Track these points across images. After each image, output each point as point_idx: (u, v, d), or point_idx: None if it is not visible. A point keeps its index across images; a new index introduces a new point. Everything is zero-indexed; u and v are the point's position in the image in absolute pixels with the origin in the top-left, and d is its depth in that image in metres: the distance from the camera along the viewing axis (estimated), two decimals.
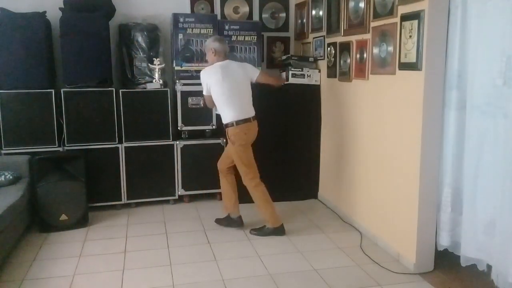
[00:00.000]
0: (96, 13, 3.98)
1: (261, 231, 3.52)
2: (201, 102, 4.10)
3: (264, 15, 4.89)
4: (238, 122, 3.35)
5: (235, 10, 4.79)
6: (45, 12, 3.94)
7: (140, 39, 4.12)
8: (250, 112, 3.43)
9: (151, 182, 4.17)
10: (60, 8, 3.97)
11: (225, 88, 3.34)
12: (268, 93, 4.37)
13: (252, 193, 3.50)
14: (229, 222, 3.63)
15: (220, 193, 4.38)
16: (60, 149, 3.91)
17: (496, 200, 2.56)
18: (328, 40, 4.09)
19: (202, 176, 4.27)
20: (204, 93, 3.48)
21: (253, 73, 3.54)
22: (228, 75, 3.36)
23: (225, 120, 3.42)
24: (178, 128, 4.26)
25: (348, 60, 3.68)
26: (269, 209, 3.48)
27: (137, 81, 4.16)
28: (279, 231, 3.50)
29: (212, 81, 3.37)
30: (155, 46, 4.20)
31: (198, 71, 4.17)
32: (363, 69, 3.46)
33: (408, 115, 2.93)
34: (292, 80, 4.27)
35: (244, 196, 3.64)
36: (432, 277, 2.86)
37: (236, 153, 3.43)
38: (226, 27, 4.28)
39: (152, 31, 4.20)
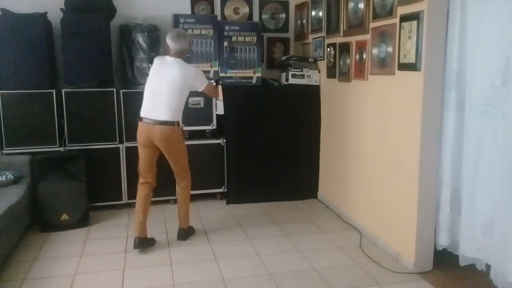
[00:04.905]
0: (97, 13, 3.99)
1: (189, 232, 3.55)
2: None
3: (264, 16, 4.91)
4: (140, 119, 3.25)
5: (235, 11, 4.81)
6: (46, 13, 3.95)
7: (140, 39, 4.13)
8: (159, 116, 3.16)
9: None
10: (61, 9, 3.98)
11: (149, 81, 3.26)
12: (268, 93, 4.41)
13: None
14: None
15: (220, 193, 4.42)
16: (61, 149, 3.93)
17: (495, 200, 2.57)
18: (327, 41, 4.10)
19: (202, 176, 4.27)
20: None
21: (199, 84, 3.34)
22: (158, 70, 3.23)
23: None
24: None
25: (348, 61, 3.70)
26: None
27: (138, 81, 4.16)
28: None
29: (151, 70, 3.30)
30: (156, 46, 4.20)
31: None
32: (362, 69, 3.47)
33: (407, 115, 2.95)
34: (292, 81, 4.30)
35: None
36: (431, 276, 2.87)
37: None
38: (226, 28, 4.29)
39: (153, 32, 4.21)
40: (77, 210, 3.68)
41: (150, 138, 3.21)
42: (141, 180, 3.35)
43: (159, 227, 3.73)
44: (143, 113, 3.24)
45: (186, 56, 3.31)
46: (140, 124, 3.25)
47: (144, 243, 3.26)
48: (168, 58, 3.27)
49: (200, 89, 3.37)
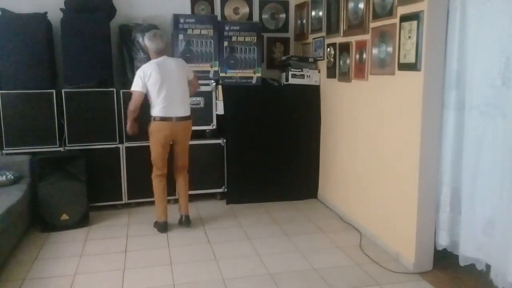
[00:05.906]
0: (97, 13, 3.99)
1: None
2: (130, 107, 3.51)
3: (264, 16, 4.91)
4: (159, 118, 3.45)
5: (235, 11, 4.81)
6: (46, 13, 3.95)
7: (140, 39, 4.12)
8: (181, 112, 3.49)
9: (151, 182, 4.16)
10: (61, 9, 3.98)
11: (160, 83, 3.37)
12: (268, 93, 4.41)
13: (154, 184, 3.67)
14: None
15: (220, 193, 4.42)
16: (61, 149, 3.93)
17: (495, 200, 2.57)
18: (327, 41, 4.10)
19: (202, 176, 4.28)
20: (137, 89, 3.39)
21: (190, 72, 3.66)
22: (163, 73, 3.40)
23: (152, 113, 3.50)
24: None
25: (348, 61, 3.70)
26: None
27: None
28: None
29: (149, 80, 3.38)
30: None
31: (198, 72, 4.22)
32: (362, 69, 3.48)
33: (407, 115, 2.95)
34: (292, 81, 4.30)
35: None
36: (431, 276, 2.87)
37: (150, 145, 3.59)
38: (226, 28, 4.29)
39: None
40: (77, 210, 3.68)
41: (174, 133, 3.50)
42: (157, 172, 3.60)
43: None
44: (164, 112, 3.42)
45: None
46: (161, 123, 3.44)
47: (166, 227, 3.65)
48: (157, 60, 3.44)
49: (191, 76, 3.65)
